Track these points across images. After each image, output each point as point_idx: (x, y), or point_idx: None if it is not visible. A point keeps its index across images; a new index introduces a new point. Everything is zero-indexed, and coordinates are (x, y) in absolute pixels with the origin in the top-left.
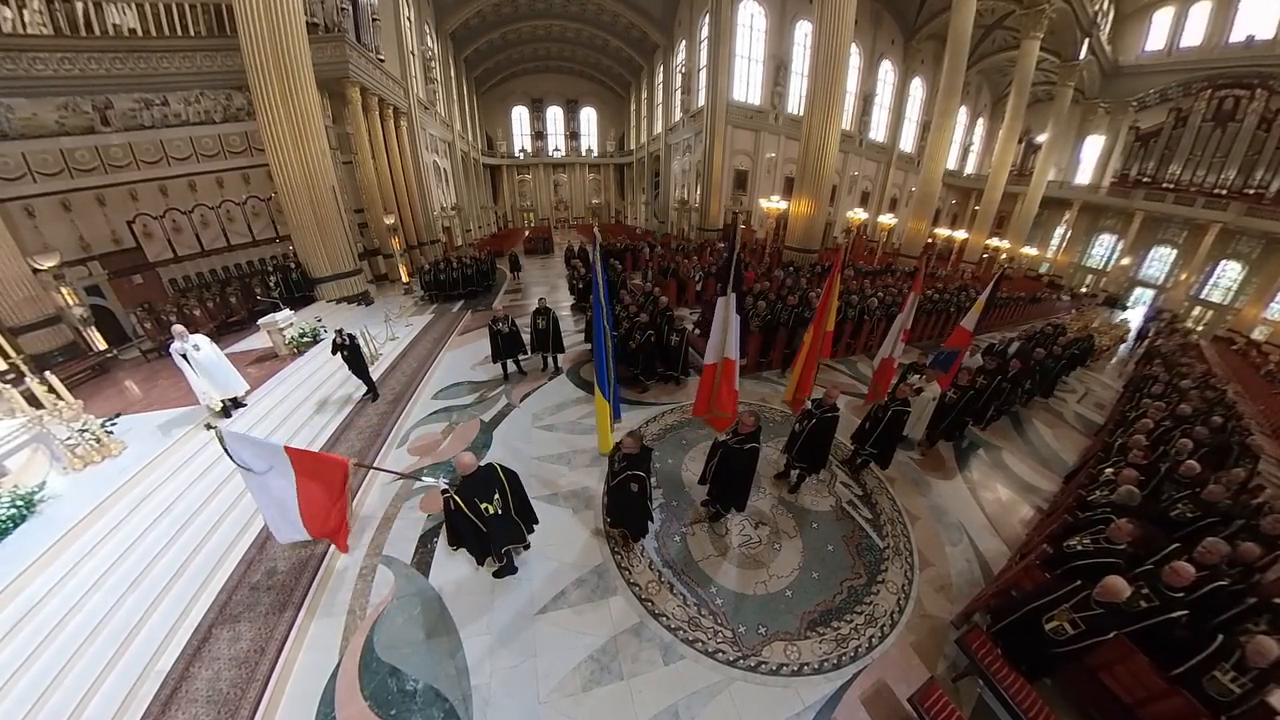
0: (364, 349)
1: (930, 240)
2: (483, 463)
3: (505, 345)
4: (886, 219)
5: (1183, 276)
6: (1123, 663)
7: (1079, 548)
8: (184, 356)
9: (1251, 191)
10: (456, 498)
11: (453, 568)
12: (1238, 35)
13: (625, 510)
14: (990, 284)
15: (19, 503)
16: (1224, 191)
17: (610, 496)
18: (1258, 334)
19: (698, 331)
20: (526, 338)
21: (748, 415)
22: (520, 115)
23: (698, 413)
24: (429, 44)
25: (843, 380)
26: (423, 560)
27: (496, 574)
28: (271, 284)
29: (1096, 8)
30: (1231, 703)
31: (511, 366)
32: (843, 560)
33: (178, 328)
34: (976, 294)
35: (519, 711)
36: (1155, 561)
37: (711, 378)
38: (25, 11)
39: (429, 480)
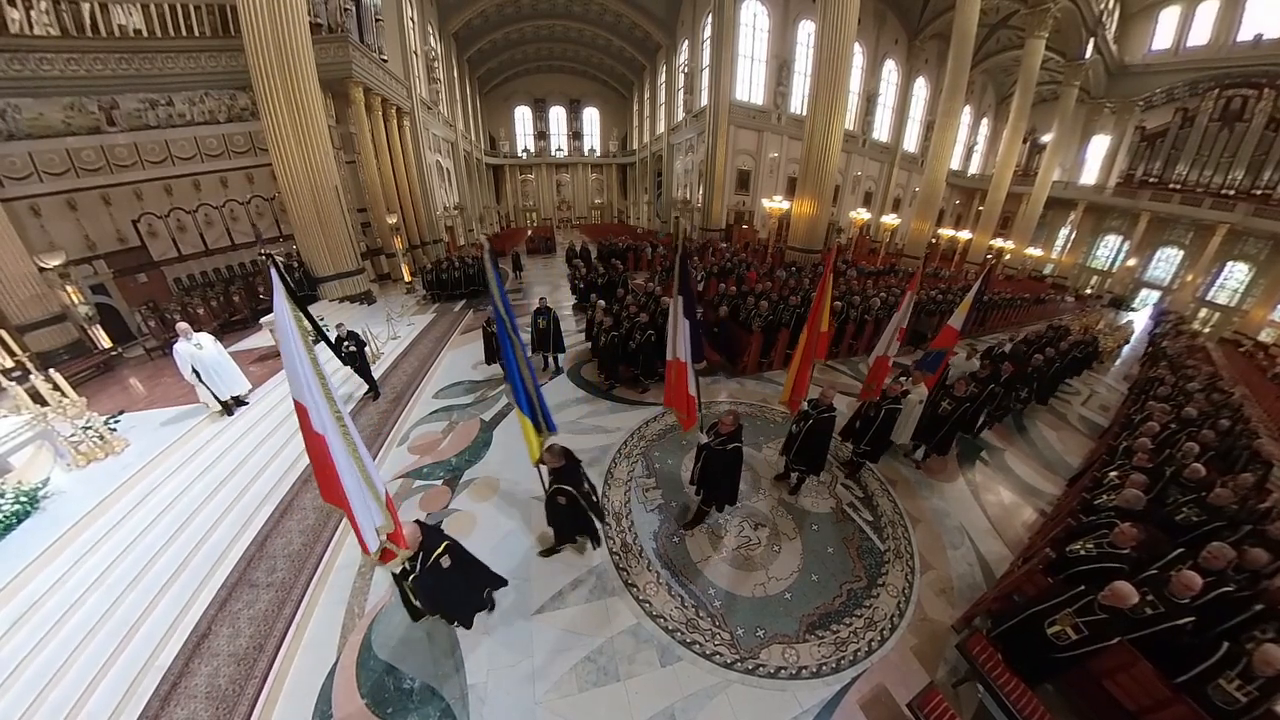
0: (367, 348)
1: (934, 240)
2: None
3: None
4: (890, 219)
5: (1189, 278)
6: (1126, 669)
7: (1082, 552)
8: (195, 371)
9: (1259, 192)
10: (439, 560)
11: None
12: (1245, 34)
13: (560, 523)
14: (978, 281)
15: (23, 499)
16: (1231, 192)
17: (546, 509)
18: (1265, 336)
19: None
20: (523, 338)
21: (727, 415)
22: (523, 115)
23: (667, 402)
24: (432, 44)
25: (843, 380)
26: None
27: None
28: None
29: (1102, 6)
30: (1237, 711)
31: None
32: (843, 563)
33: (182, 325)
34: (981, 294)
35: (515, 711)
36: (1160, 566)
37: (669, 375)
38: (32, 12)
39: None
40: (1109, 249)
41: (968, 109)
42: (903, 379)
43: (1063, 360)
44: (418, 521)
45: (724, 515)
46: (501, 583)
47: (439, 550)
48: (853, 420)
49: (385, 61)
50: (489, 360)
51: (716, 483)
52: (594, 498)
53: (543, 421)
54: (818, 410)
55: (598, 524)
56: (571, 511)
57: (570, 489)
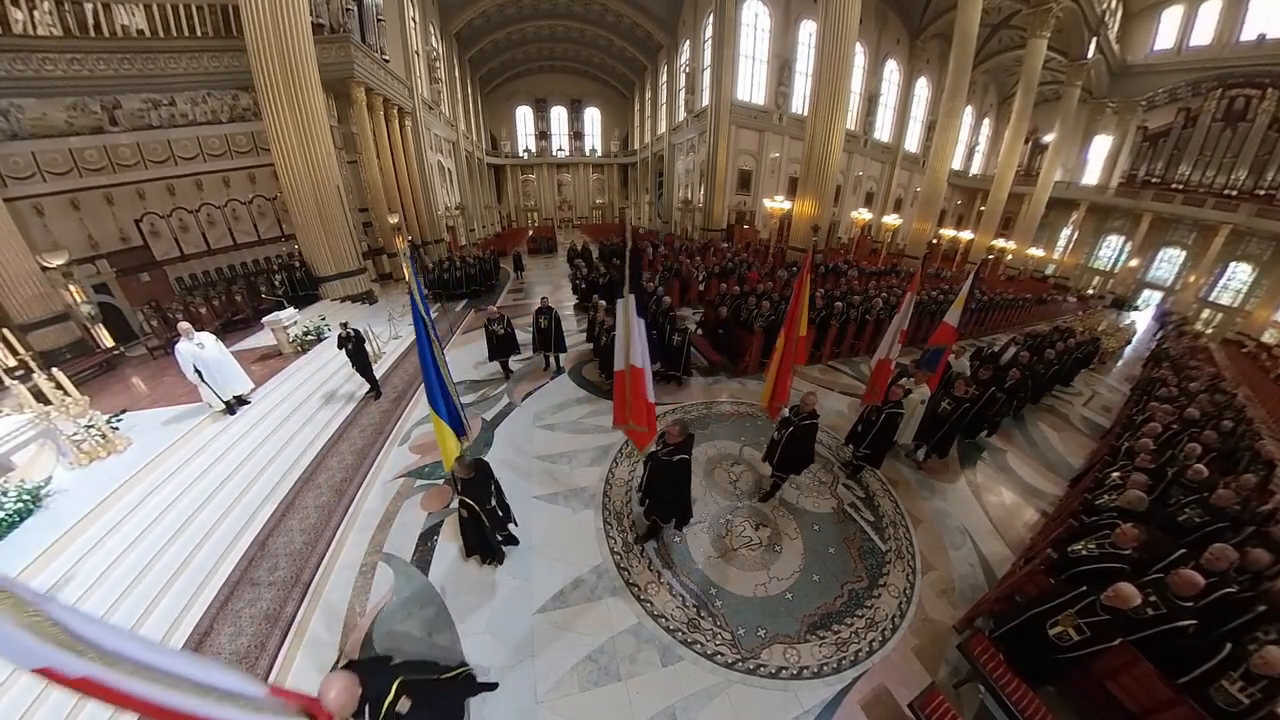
0: (368, 347)
1: (935, 241)
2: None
3: (500, 346)
4: (891, 219)
5: (1192, 278)
6: (1128, 670)
7: (1084, 553)
8: (197, 372)
9: (1262, 192)
10: (394, 710)
11: (452, 566)
12: (1249, 34)
13: (465, 535)
14: (969, 277)
15: (25, 497)
16: (1234, 192)
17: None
18: (1268, 337)
19: (700, 331)
20: (524, 337)
21: (674, 425)
22: (524, 115)
23: (617, 423)
24: (433, 44)
25: (844, 381)
26: (422, 558)
27: None
28: (276, 282)
29: (1104, 6)
30: (1239, 713)
31: (513, 366)
32: (844, 563)
33: (184, 324)
34: (981, 294)
35: (516, 711)
36: (1162, 568)
37: (621, 386)
38: (35, 13)
39: None
40: (1111, 249)
41: (969, 109)
42: (904, 380)
43: (1060, 362)
44: (351, 664)
45: (728, 515)
46: (489, 687)
47: (390, 696)
48: (855, 425)
49: (387, 61)
50: (491, 358)
51: (662, 495)
52: (500, 515)
53: (466, 423)
54: (799, 418)
55: (499, 544)
56: (474, 525)
57: (472, 503)
